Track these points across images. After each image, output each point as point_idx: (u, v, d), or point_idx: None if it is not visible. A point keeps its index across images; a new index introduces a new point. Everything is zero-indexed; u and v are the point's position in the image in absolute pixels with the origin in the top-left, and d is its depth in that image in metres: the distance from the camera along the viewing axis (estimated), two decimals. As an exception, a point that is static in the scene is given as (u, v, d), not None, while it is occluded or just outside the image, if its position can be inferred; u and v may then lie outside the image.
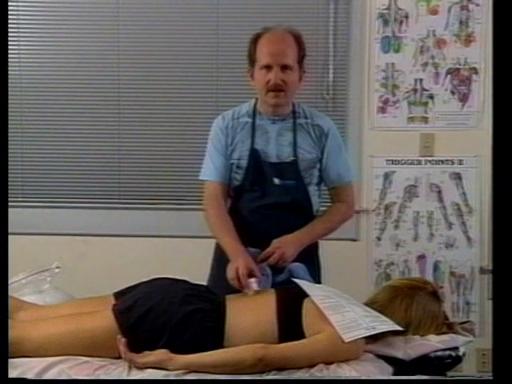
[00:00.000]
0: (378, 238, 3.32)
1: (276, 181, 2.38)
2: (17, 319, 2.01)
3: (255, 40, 2.35)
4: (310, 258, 2.43)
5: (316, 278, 2.42)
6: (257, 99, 2.45)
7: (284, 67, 2.30)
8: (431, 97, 3.25)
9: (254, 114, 2.43)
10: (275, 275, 2.26)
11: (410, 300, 2.04)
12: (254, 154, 2.38)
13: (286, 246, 2.28)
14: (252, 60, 2.36)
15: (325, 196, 2.57)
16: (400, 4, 3.22)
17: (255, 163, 2.38)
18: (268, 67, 2.31)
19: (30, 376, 1.79)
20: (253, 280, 2.15)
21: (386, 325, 1.90)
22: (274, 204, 2.38)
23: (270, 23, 3.06)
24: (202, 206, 2.47)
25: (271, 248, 2.28)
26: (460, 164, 3.27)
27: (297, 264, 2.29)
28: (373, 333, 1.85)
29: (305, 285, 2.06)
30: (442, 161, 3.27)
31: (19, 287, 2.31)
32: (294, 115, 2.42)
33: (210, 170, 2.45)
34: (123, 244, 3.34)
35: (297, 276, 2.20)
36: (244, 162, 2.40)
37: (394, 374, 1.87)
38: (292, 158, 2.38)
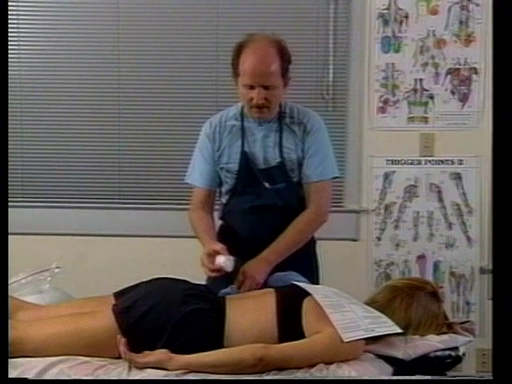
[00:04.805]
0: (378, 238, 3.32)
1: (267, 185, 2.37)
2: (17, 319, 2.01)
3: (237, 52, 2.29)
4: (307, 257, 2.43)
5: (314, 275, 2.42)
6: None
7: (267, 87, 2.25)
8: (431, 97, 3.25)
9: (241, 116, 2.41)
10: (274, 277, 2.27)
11: (409, 300, 2.04)
12: (244, 157, 2.37)
13: (254, 269, 2.25)
14: (235, 72, 2.32)
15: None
16: (400, 4, 3.22)
17: (246, 166, 2.37)
18: (250, 86, 2.26)
19: (30, 376, 1.79)
20: (218, 258, 2.14)
21: (386, 327, 1.89)
22: (268, 206, 2.37)
23: (270, 23, 3.08)
24: (188, 209, 2.49)
25: (240, 275, 2.23)
26: (460, 164, 3.27)
27: (286, 273, 2.28)
28: (371, 335, 1.85)
29: (305, 285, 2.06)
30: (441, 161, 3.27)
31: (19, 287, 2.30)
32: (279, 116, 2.39)
33: (194, 176, 2.47)
34: (123, 244, 3.34)
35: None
36: (234, 166, 2.39)
37: (394, 374, 1.87)
38: (278, 160, 2.36)
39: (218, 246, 2.18)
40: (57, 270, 2.41)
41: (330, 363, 1.83)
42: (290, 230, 2.35)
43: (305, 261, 2.40)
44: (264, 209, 2.37)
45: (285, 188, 2.37)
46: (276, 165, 2.37)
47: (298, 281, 2.16)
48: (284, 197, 2.37)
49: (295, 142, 2.38)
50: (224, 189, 2.46)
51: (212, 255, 2.17)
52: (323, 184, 2.39)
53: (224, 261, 2.14)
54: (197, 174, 2.46)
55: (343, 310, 1.91)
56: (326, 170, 2.39)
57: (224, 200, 2.49)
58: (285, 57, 2.29)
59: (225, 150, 2.41)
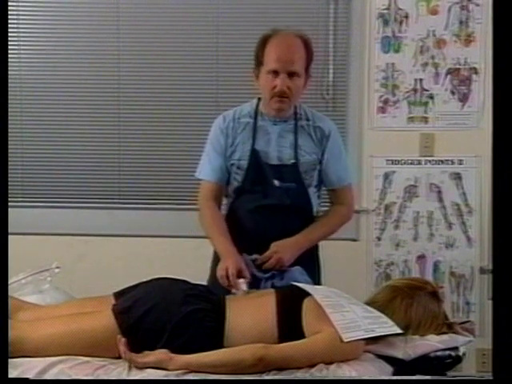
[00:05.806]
0: (378, 238, 3.32)
1: (276, 183, 2.37)
2: (17, 319, 2.01)
3: (264, 42, 2.32)
4: (310, 259, 2.43)
5: (316, 279, 2.42)
6: (259, 99, 2.44)
7: (291, 74, 2.28)
8: (431, 97, 3.25)
9: (255, 114, 2.42)
10: (274, 279, 2.26)
11: (409, 300, 2.04)
12: (255, 155, 2.38)
13: (284, 250, 2.29)
14: (259, 62, 2.33)
15: (324, 197, 2.57)
16: (400, 4, 3.22)
17: (255, 164, 2.37)
18: (275, 72, 2.28)
19: (30, 376, 1.79)
20: (242, 280, 2.17)
21: (386, 327, 1.89)
22: (274, 205, 2.37)
23: (270, 23, 3.07)
24: (197, 206, 2.48)
25: (269, 252, 2.29)
26: (460, 164, 3.27)
27: (294, 268, 2.29)
28: (371, 336, 1.85)
29: (305, 286, 2.06)
30: (441, 161, 3.27)
31: (19, 287, 2.30)
32: (295, 117, 2.41)
33: (206, 170, 2.45)
34: (123, 244, 3.34)
35: (295, 280, 2.20)
36: (244, 163, 2.39)
37: (394, 374, 1.87)
38: (293, 161, 2.38)
39: (246, 272, 2.20)
40: (57, 270, 2.41)
41: (330, 363, 1.83)
42: (323, 222, 2.45)
43: (308, 261, 2.40)
44: (270, 208, 2.37)
45: (294, 188, 2.38)
46: (290, 164, 2.38)
47: (299, 281, 2.16)
48: (292, 197, 2.37)
49: (312, 145, 2.40)
50: (231, 187, 2.45)
51: (238, 272, 2.19)
52: (351, 185, 2.53)
53: (245, 286, 2.16)
54: (209, 169, 2.44)
55: (343, 310, 1.91)
56: (350, 174, 2.55)
57: (230, 198, 2.48)
58: (309, 50, 2.35)
59: (238, 146, 2.41)
